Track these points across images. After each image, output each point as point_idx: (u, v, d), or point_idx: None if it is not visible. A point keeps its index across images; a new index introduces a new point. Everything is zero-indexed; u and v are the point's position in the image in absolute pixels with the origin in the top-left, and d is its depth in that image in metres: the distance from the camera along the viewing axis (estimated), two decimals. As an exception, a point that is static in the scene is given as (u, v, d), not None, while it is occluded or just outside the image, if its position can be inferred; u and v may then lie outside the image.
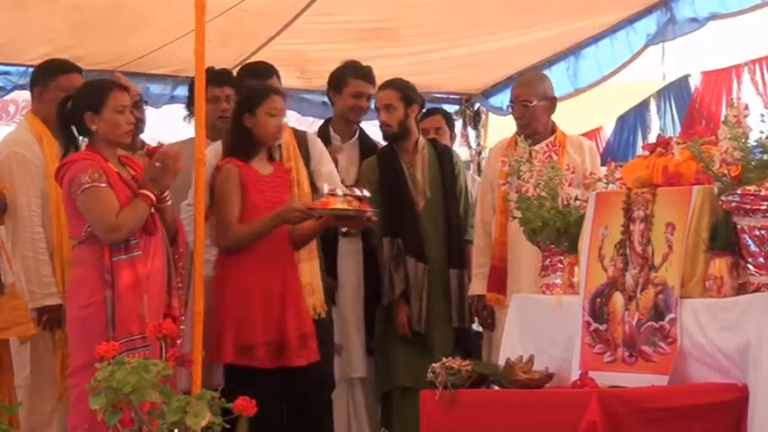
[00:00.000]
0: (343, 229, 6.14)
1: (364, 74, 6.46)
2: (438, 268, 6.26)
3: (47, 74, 5.80)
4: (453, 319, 6.22)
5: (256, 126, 5.68)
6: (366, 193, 5.60)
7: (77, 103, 5.12)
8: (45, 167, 5.58)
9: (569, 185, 5.01)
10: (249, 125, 5.69)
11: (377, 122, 6.57)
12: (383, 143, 6.56)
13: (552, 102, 6.13)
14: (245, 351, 5.45)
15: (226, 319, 5.48)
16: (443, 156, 6.46)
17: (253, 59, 7.28)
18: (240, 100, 5.81)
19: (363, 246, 6.28)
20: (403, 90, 6.37)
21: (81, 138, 5.20)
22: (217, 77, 6.05)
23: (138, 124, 5.83)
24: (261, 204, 5.61)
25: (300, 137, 6.02)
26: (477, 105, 8.51)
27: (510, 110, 6.16)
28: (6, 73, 7.10)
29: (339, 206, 5.46)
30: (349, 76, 6.42)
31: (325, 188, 5.62)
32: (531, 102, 6.01)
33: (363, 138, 6.60)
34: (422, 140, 6.45)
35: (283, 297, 5.55)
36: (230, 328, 5.47)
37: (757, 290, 4.12)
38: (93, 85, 5.35)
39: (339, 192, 5.53)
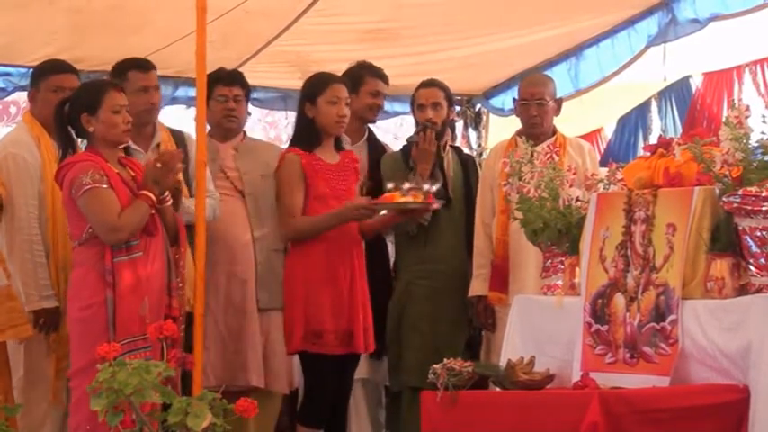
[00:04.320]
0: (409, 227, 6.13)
1: (380, 73, 6.49)
2: (456, 271, 6.24)
3: (39, 74, 5.79)
4: (474, 320, 6.20)
5: (318, 115, 5.74)
6: (431, 187, 5.69)
7: (74, 105, 5.12)
8: (42, 169, 5.56)
9: (570, 186, 5.00)
10: (311, 115, 5.75)
11: (379, 124, 6.55)
12: (388, 145, 6.53)
13: (559, 103, 6.16)
14: (315, 338, 5.60)
15: (296, 308, 5.63)
16: (468, 163, 6.46)
17: (254, 61, 7.29)
18: (301, 90, 5.88)
19: (367, 246, 6.27)
20: (446, 90, 6.39)
21: (79, 140, 5.19)
22: (227, 77, 6.04)
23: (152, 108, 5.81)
24: (327, 194, 5.70)
25: (178, 138, 5.89)
26: (478, 106, 8.50)
27: (519, 109, 6.13)
28: (7, 74, 7.10)
29: (402, 200, 5.56)
30: (366, 75, 6.41)
31: (389, 185, 5.69)
32: (547, 101, 6.03)
33: (372, 139, 6.59)
34: (447, 145, 6.43)
35: (352, 286, 5.68)
36: (301, 316, 5.61)
37: (758, 291, 4.12)
38: (89, 86, 5.36)
39: (405, 186, 5.61)
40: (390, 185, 5.68)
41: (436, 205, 5.69)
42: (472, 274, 6.16)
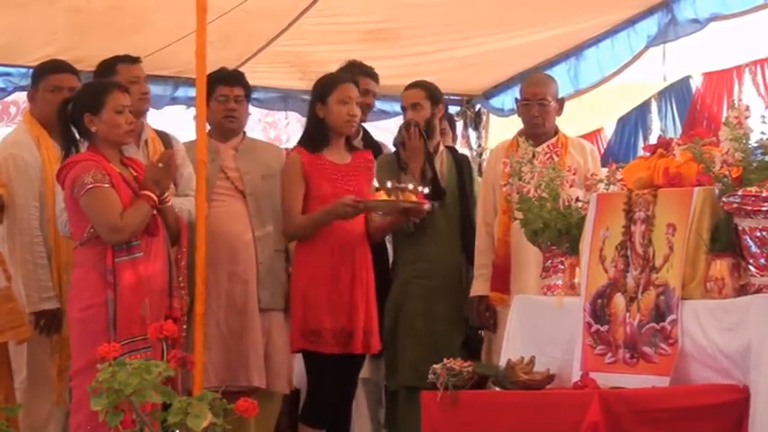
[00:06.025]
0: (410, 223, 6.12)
1: (370, 72, 6.52)
2: (451, 270, 6.24)
3: (38, 75, 5.81)
4: (471, 320, 6.20)
5: (329, 115, 5.78)
6: (422, 189, 5.71)
7: (77, 104, 5.12)
8: (43, 170, 5.56)
9: (571, 186, 5.00)
10: (322, 115, 5.78)
11: (379, 124, 6.55)
12: (385, 144, 6.53)
13: (561, 103, 6.16)
14: (313, 336, 5.63)
15: (296, 307, 5.69)
16: (463, 163, 6.45)
17: (254, 61, 7.29)
18: (312, 91, 5.91)
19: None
20: (429, 90, 6.37)
21: (81, 140, 5.20)
22: (229, 77, 6.04)
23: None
24: (330, 194, 5.71)
25: (164, 138, 5.90)
26: (478, 106, 8.51)
27: (521, 109, 6.13)
28: (7, 74, 7.11)
29: (386, 197, 5.61)
30: (356, 74, 6.42)
31: (375, 185, 5.74)
32: (549, 101, 6.04)
33: (367, 138, 6.59)
34: (441, 145, 6.43)
35: (352, 286, 5.69)
36: (300, 314, 5.67)
37: (758, 291, 4.12)
38: (92, 86, 5.37)
39: (389, 185, 5.64)
40: (376, 185, 5.73)
41: (427, 205, 5.71)
42: (468, 273, 6.16)
